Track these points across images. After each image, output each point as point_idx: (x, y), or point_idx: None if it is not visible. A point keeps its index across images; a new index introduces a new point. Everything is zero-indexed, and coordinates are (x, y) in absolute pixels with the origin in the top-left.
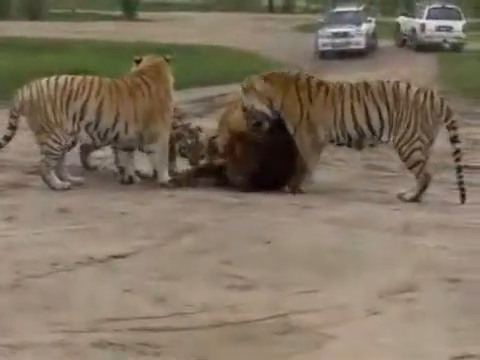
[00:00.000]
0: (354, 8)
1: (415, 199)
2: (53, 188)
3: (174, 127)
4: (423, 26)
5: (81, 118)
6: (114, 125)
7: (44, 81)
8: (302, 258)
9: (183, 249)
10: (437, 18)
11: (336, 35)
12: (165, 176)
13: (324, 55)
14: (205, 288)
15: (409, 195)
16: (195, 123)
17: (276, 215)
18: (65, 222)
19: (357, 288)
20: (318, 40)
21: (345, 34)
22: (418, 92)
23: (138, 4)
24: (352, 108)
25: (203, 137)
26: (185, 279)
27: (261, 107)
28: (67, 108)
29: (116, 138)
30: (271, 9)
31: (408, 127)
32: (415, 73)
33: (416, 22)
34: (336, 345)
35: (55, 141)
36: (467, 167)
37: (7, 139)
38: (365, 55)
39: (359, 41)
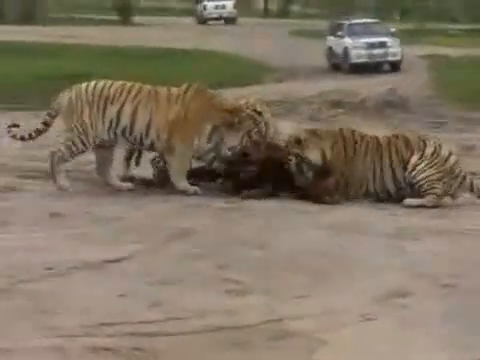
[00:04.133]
0: (369, 19)
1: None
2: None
3: None
4: (205, 6)
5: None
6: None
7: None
8: (296, 263)
9: (177, 254)
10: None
11: (372, 46)
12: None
13: (358, 68)
14: (200, 293)
15: (415, 202)
16: None
17: (269, 220)
18: (59, 226)
19: (351, 293)
20: (350, 51)
21: (382, 44)
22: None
23: (133, 9)
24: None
25: None
26: (180, 284)
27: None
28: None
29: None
30: (266, 13)
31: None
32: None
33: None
34: (330, 351)
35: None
36: None
37: (38, 132)
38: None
39: (396, 52)
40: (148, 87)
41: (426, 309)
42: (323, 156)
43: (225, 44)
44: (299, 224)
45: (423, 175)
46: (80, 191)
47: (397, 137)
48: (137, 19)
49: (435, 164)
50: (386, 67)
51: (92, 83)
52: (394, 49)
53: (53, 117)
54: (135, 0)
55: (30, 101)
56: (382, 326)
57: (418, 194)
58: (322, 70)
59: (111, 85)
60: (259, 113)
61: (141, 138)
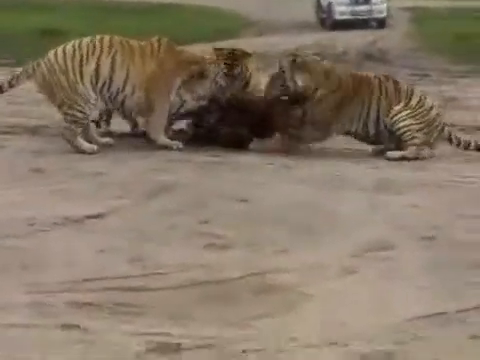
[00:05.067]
0: None
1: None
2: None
3: None
4: None
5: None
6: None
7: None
8: (278, 217)
9: (159, 209)
10: None
11: (357, 2)
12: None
13: (339, 25)
14: (181, 247)
15: (397, 154)
16: None
17: (252, 174)
18: (39, 182)
19: (332, 247)
20: (334, 8)
21: (367, 0)
22: None
23: None
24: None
25: None
26: (161, 238)
27: None
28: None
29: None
30: None
31: None
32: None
33: None
34: (313, 304)
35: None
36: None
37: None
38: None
39: (381, 9)
40: (119, 38)
41: (408, 261)
42: (309, 87)
43: None
44: (281, 178)
45: (404, 123)
46: (61, 147)
47: (387, 79)
48: None
49: (418, 113)
50: (371, 24)
51: (60, 48)
52: (379, 6)
53: (22, 79)
54: None
55: (4, 57)
56: (364, 279)
57: (395, 141)
58: (307, 25)
59: (80, 43)
60: (248, 55)
61: (117, 93)
